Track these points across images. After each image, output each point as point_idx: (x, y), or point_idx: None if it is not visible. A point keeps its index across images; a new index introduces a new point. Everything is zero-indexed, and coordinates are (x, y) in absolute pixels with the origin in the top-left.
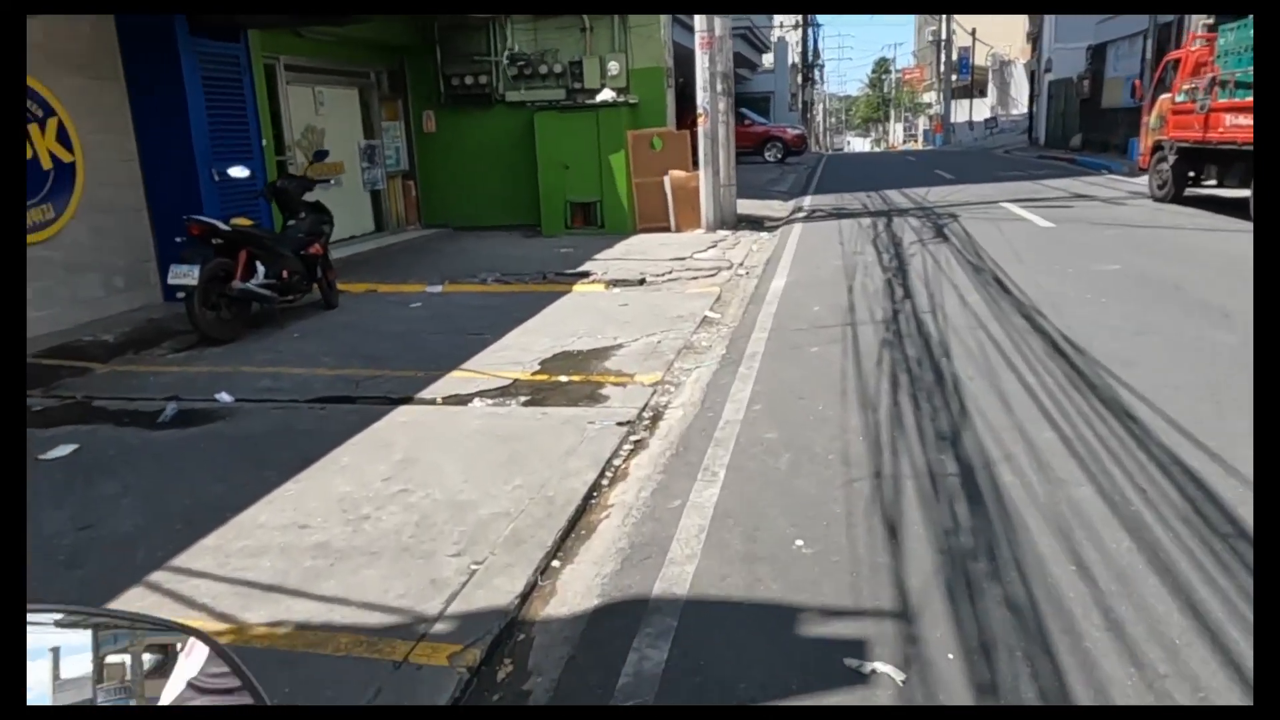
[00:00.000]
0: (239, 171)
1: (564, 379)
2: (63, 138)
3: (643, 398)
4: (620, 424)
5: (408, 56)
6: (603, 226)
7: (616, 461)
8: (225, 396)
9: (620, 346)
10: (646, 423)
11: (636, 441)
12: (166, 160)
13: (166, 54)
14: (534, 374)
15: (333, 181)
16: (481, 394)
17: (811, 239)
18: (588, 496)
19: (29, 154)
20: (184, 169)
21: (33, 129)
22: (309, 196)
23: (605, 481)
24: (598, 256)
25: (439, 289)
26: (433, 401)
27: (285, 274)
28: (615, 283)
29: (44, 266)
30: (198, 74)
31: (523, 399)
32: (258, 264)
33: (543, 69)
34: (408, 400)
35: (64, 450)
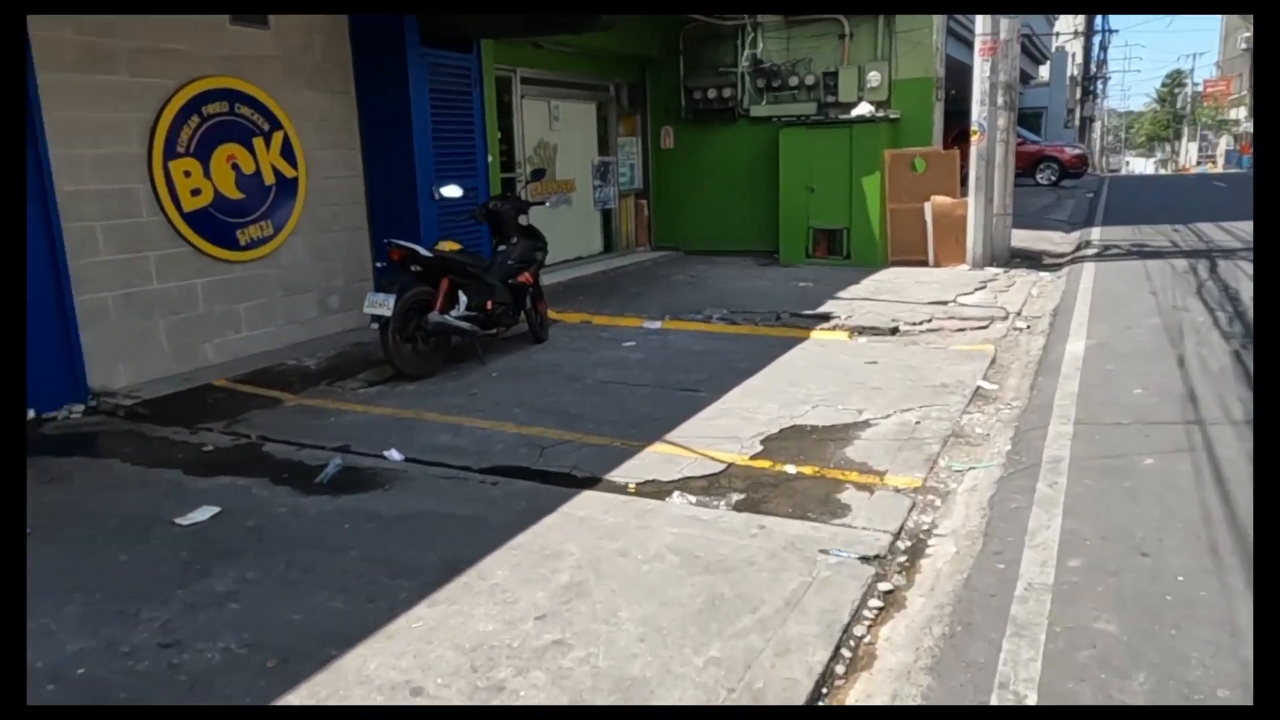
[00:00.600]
0: (452, 191)
1: (791, 470)
2: (287, 152)
3: (896, 515)
4: (865, 560)
5: (649, 69)
6: (848, 257)
7: (858, 630)
8: (394, 454)
9: (866, 425)
10: (903, 560)
11: (888, 593)
12: (389, 177)
13: (395, 64)
14: (753, 458)
15: (547, 203)
16: (685, 482)
17: (1110, 284)
18: (814, 695)
19: (251, 168)
20: (405, 187)
21: (257, 143)
22: (523, 219)
23: (840, 668)
24: (841, 294)
25: (658, 325)
26: (624, 488)
27: (489, 305)
28: (861, 330)
29: (260, 284)
30: (425, 86)
31: (736, 498)
32: (460, 293)
33: (792, 80)
34: (594, 482)
35: (204, 514)
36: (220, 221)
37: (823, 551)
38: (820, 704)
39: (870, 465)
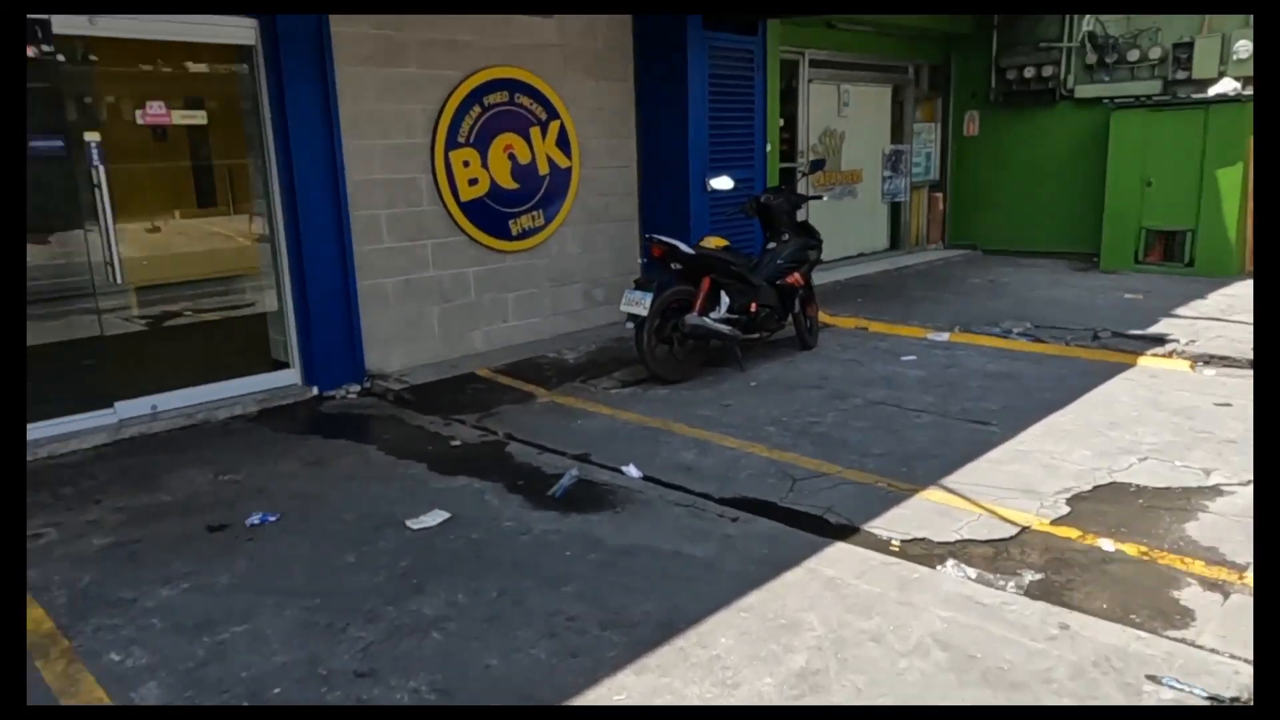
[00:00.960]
0: (722, 183)
1: (1108, 546)
2: (563, 142)
3: None
4: (1215, 701)
5: (955, 47)
6: (1191, 265)
7: None
8: (633, 471)
9: (1216, 492)
10: None
11: None
12: (662, 167)
13: (675, 49)
14: (1056, 522)
15: (825, 196)
16: (963, 547)
17: None
18: None
19: (527, 158)
20: (677, 177)
21: (534, 133)
22: (799, 215)
23: None
24: (1180, 311)
25: (944, 337)
26: (885, 545)
27: (753, 307)
28: (1208, 360)
29: (529, 274)
30: (704, 71)
31: (1030, 578)
32: (722, 294)
33: (1132, 55)
34: (849, 532)
35: (434, 519)
36: (494, 211)
37: (1151, 678)
38: None
39: (1222, 553)
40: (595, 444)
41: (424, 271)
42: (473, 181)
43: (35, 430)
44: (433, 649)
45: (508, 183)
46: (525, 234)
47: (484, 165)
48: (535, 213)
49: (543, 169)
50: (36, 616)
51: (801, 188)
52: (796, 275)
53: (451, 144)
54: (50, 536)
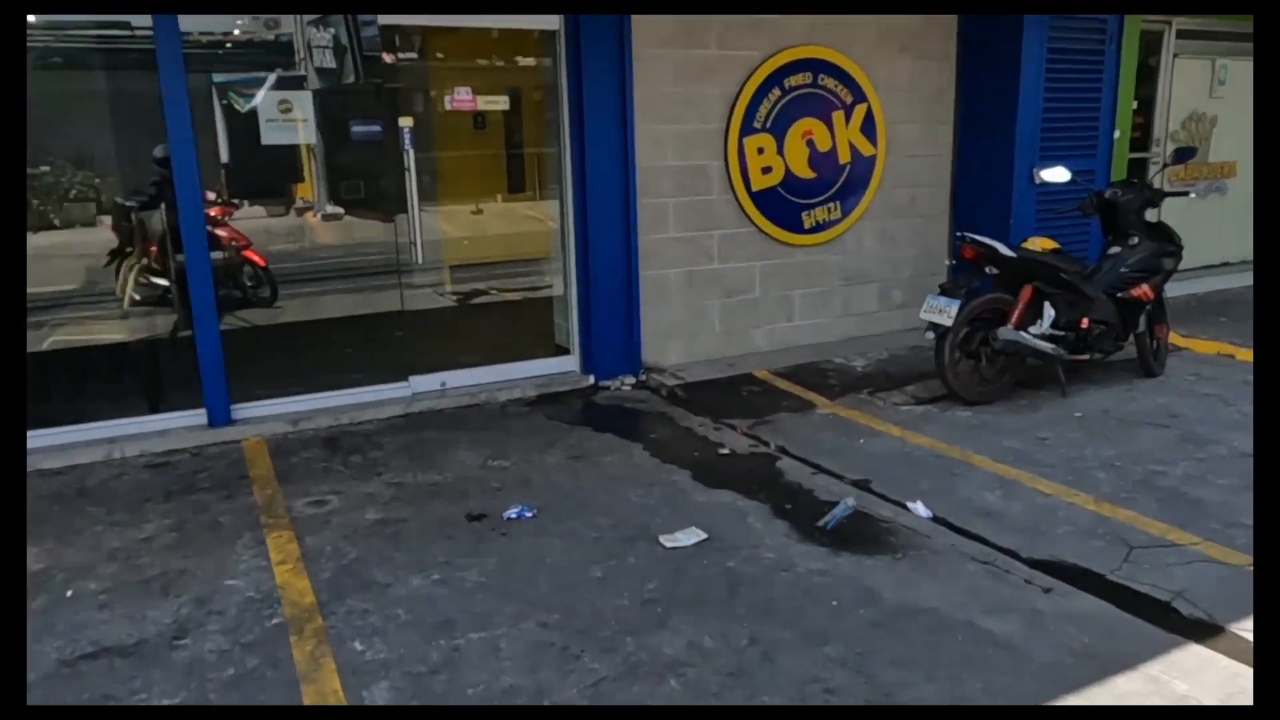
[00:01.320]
0: (1056, 174)
1: None
2: (868, 128)
3: None
4: None
5: None
6: None
7: None
8: (920, 509)
9: None
10: None
11: None
12: (981, 156)
13: (1008, 21)
14: None
15: (1192, 193)
16: None
17: None
18: None
19: (827, 145)
20: (1000, 168)
21: (836, 117)
22: (1151, 214)
23: None
24: None
25: None
26: (1247, 651)
27: (1084, 323)
28: None
29: (819, 271)
30: (1042, 44)
31: None
32: (1045, 305)
33: None
34: (1208, 632)
35: (689, 538)
36: (787, 202)
37: None
38: None
39: None
40: (878, 469)
41: (708, 264)
42: (766, 170)
43: (339, 398)
44: (665, 699)
45: (804, 171)
46: (819, 227)
47: (779, 152)
48: (832, 204)
49: (843, 157)
50: (301, 588)
51: (1157, 181)
52: (1145, 287)
53: (747, 129)
54: (332, 505)
